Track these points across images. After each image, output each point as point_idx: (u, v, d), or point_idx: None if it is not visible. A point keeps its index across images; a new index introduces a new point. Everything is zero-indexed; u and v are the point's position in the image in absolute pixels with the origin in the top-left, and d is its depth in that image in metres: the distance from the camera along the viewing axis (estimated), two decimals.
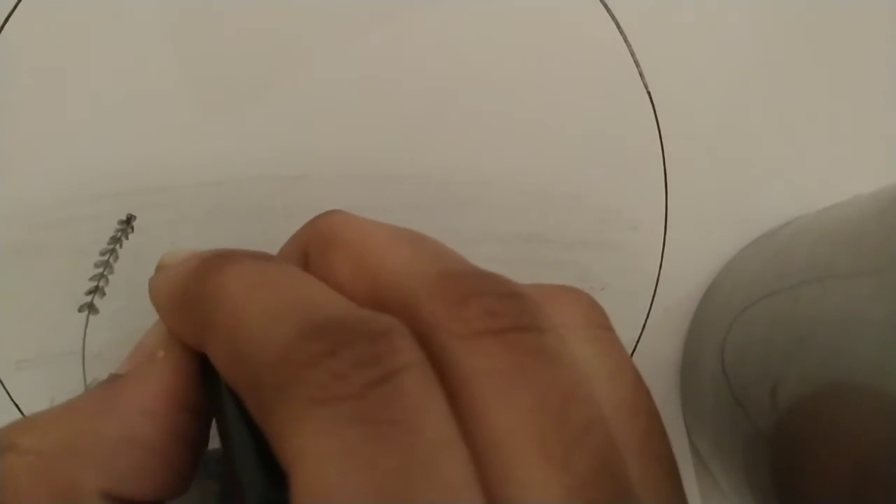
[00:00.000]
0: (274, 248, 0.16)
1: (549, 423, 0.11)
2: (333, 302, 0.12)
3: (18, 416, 0.23)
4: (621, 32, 0.26)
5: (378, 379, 0.10)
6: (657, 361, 0.27)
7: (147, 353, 0.14)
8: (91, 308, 0.23)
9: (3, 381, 0.23)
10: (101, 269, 0.23)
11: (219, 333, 0.12)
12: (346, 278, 0.13)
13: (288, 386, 0.10)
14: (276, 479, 0.11)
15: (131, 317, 0.23)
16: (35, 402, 0.23)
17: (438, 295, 0.12)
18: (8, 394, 0.23)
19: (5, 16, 0.23)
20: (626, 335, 0.26)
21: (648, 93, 0.26)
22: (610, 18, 0.26)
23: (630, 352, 0.26)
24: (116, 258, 0.23)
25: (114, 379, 0.14)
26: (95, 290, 0.23)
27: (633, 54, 0.26)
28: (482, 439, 0.11)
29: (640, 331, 0.26)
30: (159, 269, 0.15)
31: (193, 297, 0.13)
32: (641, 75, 0.26)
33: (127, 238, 0.23)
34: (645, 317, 0.26)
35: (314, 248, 0.14)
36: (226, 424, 0.13)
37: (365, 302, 0.13)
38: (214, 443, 0.14)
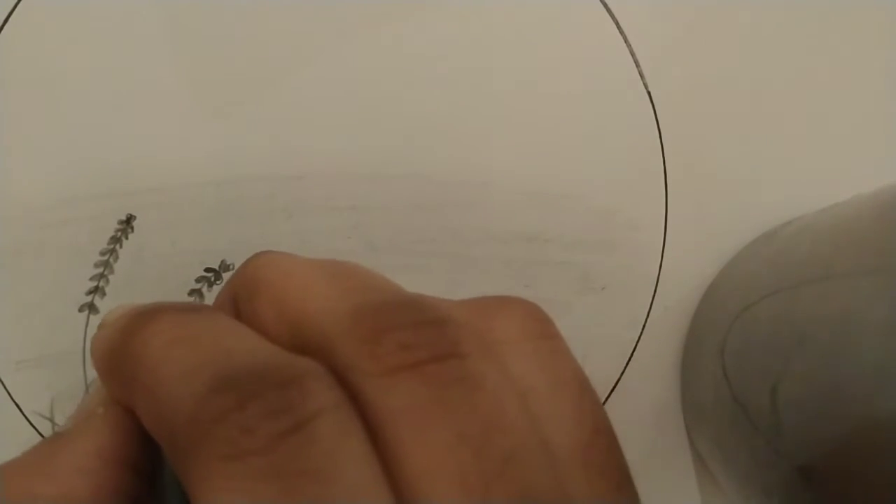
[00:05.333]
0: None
1: (468, 456, 0.10)
2: (249, 351, 0.12)
3: (19, 415, 0.23)
4: (621, 32, 0.26)
5: (289, 428, 0.10)
6: (657, 361, 0.27)
7: (88, 411, 0.14)
8: (91, 308, 0.23)
9: (3, 381, 0.23)
10: (101, 269, 0.23)
11: (141, 392, 0.12)
12: (271, 323, 0.13)
13: (199, 443, 0.10)
14: None
15: None
16: (35, 402, 0.23)
17: (350, 333, 0.11)
18: (8, 393, 0.23)
19: (5, 16, 0.23)
20: (626, 335, 0.26)
21: (648, 93, 0.26)
22: (610, 18, 0.26)
23: (630, 352, 0.26)
24: (116, 258, 0.23)
25: (55, 437, 0.14)
26: (95, 290, 0.23)
27: (633, 54, 0.26)
28: (402, 480, 0.10)
29: (640, 331, 0.26)
30: (99, 327, 0.15)
31: (119, 355, 0.13)
32: (641, 75, 0.26)
33: (127, 238, 0.23)
34: (645, 317, 0.26)
35: (241, 294, 0.14)
36: (162, 485, 0.13)
37: (289, 346, 0.12)
38: None
